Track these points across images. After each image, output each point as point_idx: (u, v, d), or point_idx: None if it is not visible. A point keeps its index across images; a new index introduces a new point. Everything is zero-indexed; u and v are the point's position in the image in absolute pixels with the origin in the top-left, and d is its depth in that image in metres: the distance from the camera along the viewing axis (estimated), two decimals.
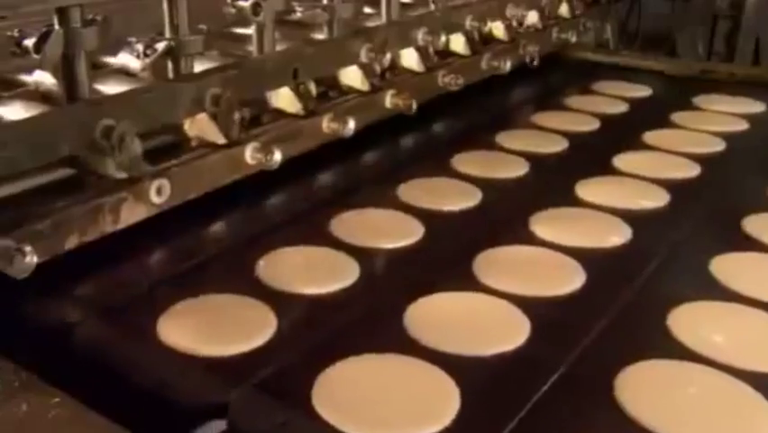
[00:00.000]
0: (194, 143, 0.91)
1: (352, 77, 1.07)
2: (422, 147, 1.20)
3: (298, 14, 1.02)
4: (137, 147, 0.80)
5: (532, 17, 1.39)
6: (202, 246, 0.90)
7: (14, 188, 0.78)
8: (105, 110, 0.79)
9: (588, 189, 1.03)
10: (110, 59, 0.91)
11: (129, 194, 0.80)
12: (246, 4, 0.92)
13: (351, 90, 1.08)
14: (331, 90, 1.08)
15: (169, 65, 0.90)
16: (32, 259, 0.68)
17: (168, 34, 0.89)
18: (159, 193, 0.82)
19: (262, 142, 0.92)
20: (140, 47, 0.87)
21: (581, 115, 1.33)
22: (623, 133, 1.26)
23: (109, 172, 0.79)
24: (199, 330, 0.71)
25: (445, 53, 1.25)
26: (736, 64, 1.99)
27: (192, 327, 0.71)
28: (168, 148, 0.89)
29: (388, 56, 1.08)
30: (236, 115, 0.90)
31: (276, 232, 0.92)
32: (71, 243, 0.75)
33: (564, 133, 1.23)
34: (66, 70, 0.80)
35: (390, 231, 0.91)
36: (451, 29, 1.24)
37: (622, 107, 1.38)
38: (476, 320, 0.75)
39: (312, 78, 1.01)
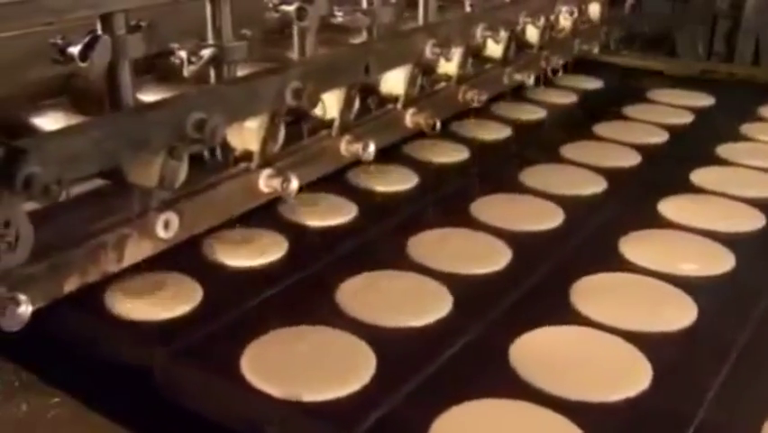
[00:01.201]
0: (236, 153, 0.88)
1: (392, 83, 1.04)
2: None
3: (339, 19, 0.98)
4: (185, 167, 0.77)
5: (568, 21, 1.37)
6: None
7: None
8: (195, 103, 0.77)
9: (529, 176, 1.09)
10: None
11: (133, 230, 0.76)
12: (291, 9, 0.89)
13: (390, 98, 1.06)
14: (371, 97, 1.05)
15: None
16: (26, 309, 0.63)
17: (211, 40, 0.85)
18: (166, 227, 0.78)
19: (277, 168, 0.89)
20: (183, 54, 0.83)
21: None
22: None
23: (149, 185, 0.75)
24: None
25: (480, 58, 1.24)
26: (736, 64, 1.99)
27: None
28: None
29: (454, 50, 1.08)
30: (282, 131, 0.88)
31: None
32: (71, 285, 0.70)
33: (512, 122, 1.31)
34: (110, 78, 0.76)
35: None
36: (508, 25, 1.25)
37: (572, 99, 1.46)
38: (401, 295, 0.81)
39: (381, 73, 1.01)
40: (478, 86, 1.23)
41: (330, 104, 0.96)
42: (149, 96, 0.85)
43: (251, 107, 0.84)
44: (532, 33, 1.33)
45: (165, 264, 0.81)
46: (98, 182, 0.80)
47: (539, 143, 1.26)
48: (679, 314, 0.79)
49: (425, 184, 1.07)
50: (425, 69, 1.12)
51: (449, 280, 0.82)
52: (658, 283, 0.84)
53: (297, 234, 0.91)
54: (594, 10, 1.52)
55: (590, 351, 0.73)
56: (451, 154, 1.16)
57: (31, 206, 0.68)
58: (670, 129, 1.31)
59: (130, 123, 0.73)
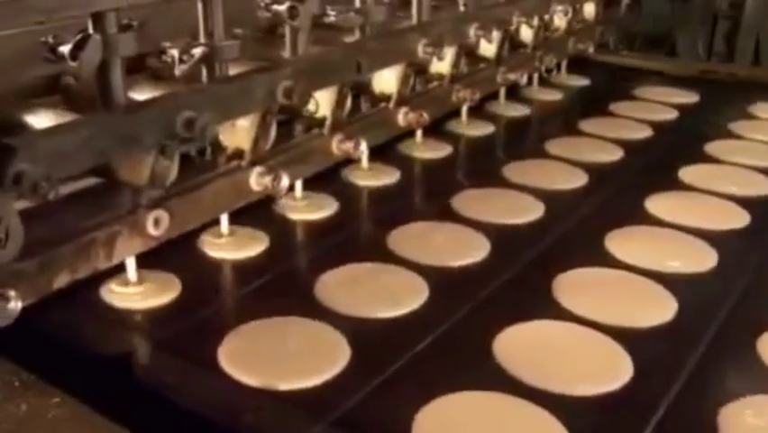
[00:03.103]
0: (228, 152, 0.88)
1: (385, 82, 1.04)
2: None
3: (332, 18, 0.98)
4: (175, 166, 0.77)
5: (562, 21, 1.37)
6: None
7: None
8: (185, 101, 0.77)
9: (512, 171, 1.12)
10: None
11: (123, 227, 0.76)
12: (282, 8, 0.89)
13: (382, 97, 1.06)
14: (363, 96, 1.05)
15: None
16: (16, 305, 0.63)
17: (202, 39, 0.85)
18: (156, 225, 0.78)
19: (268, 165, 0.89)
20: (175, 52, 0.83)
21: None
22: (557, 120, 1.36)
23: (140, 183, 0.76)
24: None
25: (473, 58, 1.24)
26: (736, 64, 1.99)
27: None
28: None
29: (447, 50, 1.09)
30: (273, 129, 0.88)
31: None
32: (61, 281, 0.70)
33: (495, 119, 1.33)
34: (101, 77, 0.77)
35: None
36: (500, 24, 1.25)
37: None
38: (378, 287, 0.82)
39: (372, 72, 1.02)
40: (471, 85, 1.23)
41: (322, 102, 0.96)
42: (140, 95, 0.86)
43: (242, 106, 0.85)
44: (526, 33, 1.33)
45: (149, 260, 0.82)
46: (90, 180, 0.81)
47: (524, 140, 1.28)
48: (659, 310, 0.80)
49: (407, 179, 1.09)
50: (418, 69, 1.13)
51: (427, 271, 0.84)
52: (641, 279, 0.85)
53: (279, 229, 0.93)
54: (589, 10, 1.52)
55: (573, 345, 0.75)
56: (434, 150, 1.18)
57: (22, 203, 0.69)
58: (655, 126, 1.33)
59: (120, 121, 0.73)
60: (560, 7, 1.38)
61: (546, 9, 1.37)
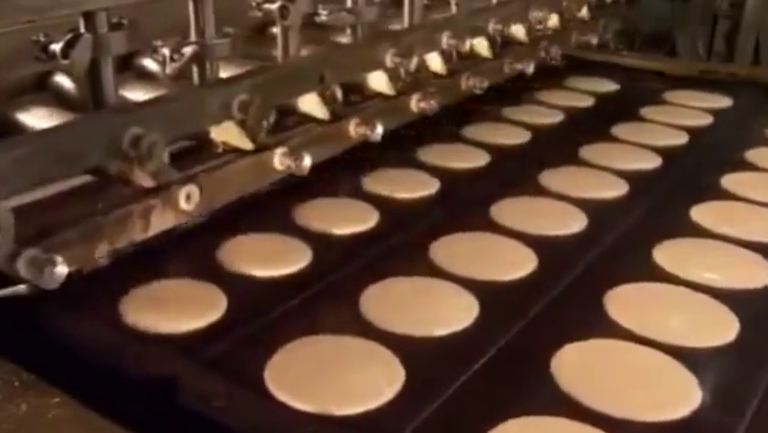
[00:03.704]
0: (220, 149, 0.89)
1: (378, 81, 1.05)
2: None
3: (323, 17, 0.99)
4: (164, 155, 0.78)
5: (552, 20, 1.37)
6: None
7: (39, 195, 0.75)
8: (132, 118, 0.76)
9: (550, 179, 1.06)
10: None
11: (158, 201, 0.78)
12: (274, 7, 0.90)
13: (376, 95, 1.06)
14: (354, 95, 1.06)
15: (195, 69, 0.87)
16: (62, 269, 0.66)
17: (193, 38, 0.86)
18: (188, 200, 0.80)
19: (290, 147, 0.90)
20: (166, 51, 0.84)
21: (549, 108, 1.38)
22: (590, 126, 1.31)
23: (137, 180, 0.77)
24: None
25: (468, 56, 1.24)
26: (736, 64, 1.98)
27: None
28: (194, 153, 0.88)
29: (414, 60, 1.06)
30: (263, 121, 0.88)
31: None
32: (101, 251, 0.73)
33: (529, 126, 1.27)
34: (92, 75, 0.78)
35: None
36: (475, 32, 1.24)
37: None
38: (427, 303, 0.78)
39: (337, 83, 1.00)
40: (479, 74, 1.22)
41: (310, 105, 0.96)
42: (131, 94, 0.87)
43: (194, 122, 0.83)
44: (519, 31, 1.33)
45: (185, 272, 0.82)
46: None
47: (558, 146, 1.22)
48: (721, 328, 0.76)
49: (445, 189, 1.04)
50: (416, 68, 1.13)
51: (474, 286, 0.80)
52: (696, 295, 0.81)
53: (321, 242, 0.89)
54: (583, 10, 1.52)
55: (636, 367, 0.70)
56: (469, 160, 1.13)
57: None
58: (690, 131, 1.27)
59: (62, 138, 0.72)
60: (538, 14, 1.36)
61: (525, 16, 1.36)
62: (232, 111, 0.85)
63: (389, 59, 1.04)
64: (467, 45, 1.18)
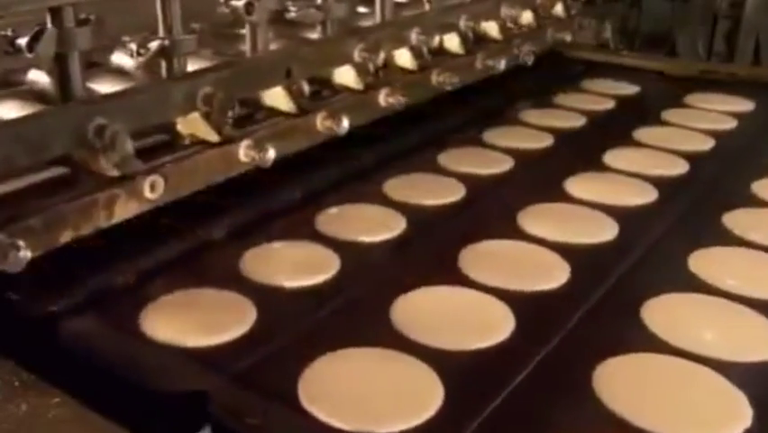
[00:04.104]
0: (186, 141, 0.91)
1: (345, 76, 1.07)
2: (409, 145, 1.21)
3: (292, 14, 1.02)
4: (129, 145, 0.80)
5: (526, 17, 1.39)
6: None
7: (8, 187, 0.79)
8: (97, 109, 0.79)
9: (576, 185, 1.05)
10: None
11: (122, 190, 0.80)
12: (239, 4, 0.92)
13: (344, 89, 1.08)
14: (324, 89, 1.07)
15: (163, 64, 0.91)
16: (26, 253, 0.69)
17: (161, 33, 0.89)
18: (152, 189, 0.83)
19: (256, 139, 0.92)
20: (133, 46, 0.88)
21: (570, 112, 1.37)
22: (612, 129, 1.29)
23: (102, 170, 0.80)
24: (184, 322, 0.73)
25: (441, 53, 1.25)
26: (736, 64, 1.98)
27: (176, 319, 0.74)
28: (161, 145, 0.90)
29: (382, 55, 1.08)
30: (228, 113, 0.90)
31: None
32: (65, 237, 0.76)
33: (551, 130, 1.26)
34: (59, 70, 0.81)
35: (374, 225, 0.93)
36: (445, 29, 1.25)
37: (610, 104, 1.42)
38: (461, 314, 0.76)
39: (305, 78, 1.02)
40: (449, 70, 1.22)
41: (276, 99, 0.99)
42: (101, 88, 0.91)
43: (158, 113, 0.85)
44: (492, 29, 1.34)
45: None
46: None
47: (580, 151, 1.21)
48: (765, 341, 0.74)
49: (471, 196, 1.03)
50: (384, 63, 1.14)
51: (508, 296, 0.78)
52: (736, 306, 0.78)
53: (348, 251, 0.88)
54: (558, 9, 1.52)
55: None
56: (493, 165, 1.12)
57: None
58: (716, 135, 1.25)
59: (27, 128, 0.74)
60: (510, 12, 1.36)
61: (497, 13, 1.36)
62: (196, 103, 0.88)
63: (357, 55, 1.06)
64: (436, 41, 1.19)
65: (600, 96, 1.45)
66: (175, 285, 0.80)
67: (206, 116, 0.89)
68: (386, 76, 1.12)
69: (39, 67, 0.86)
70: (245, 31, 0.98)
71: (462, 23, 1.27)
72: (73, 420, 0.58)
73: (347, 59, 1.06)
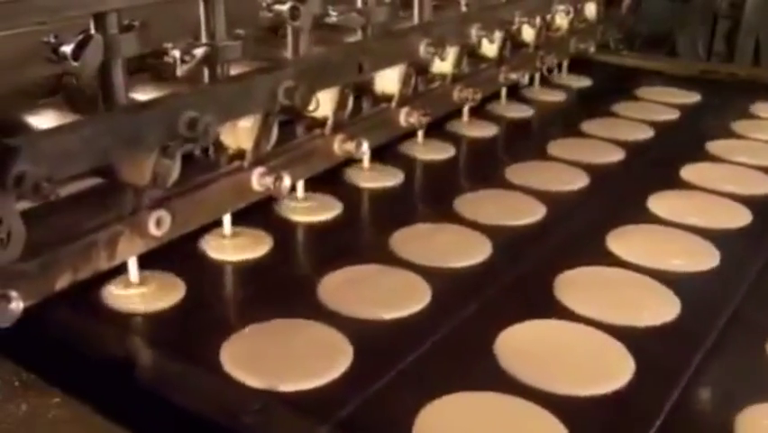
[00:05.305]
0: (230, 152, 0.88)
1: (387, 82, 1.05)
2: None
3: (333, 18, 0.98)
4: (177, 166, 0.77)
5: (562, 19, 1.37)
6: None
7: None
8: (188, 102, 0.77)
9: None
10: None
11: (125, 227, 0.76)
12: (284, 8, 0.89)
13: (384, 97, 1.06)
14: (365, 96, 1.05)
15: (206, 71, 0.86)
16: (17, 306, 0.63)
17: (204, 40, 0.85)
18: (158, 225, 0.78)
19: (270, 166, 0.89)
20: (177, 53, 0.83)
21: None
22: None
23: (141, 183, 0.76)
24: None
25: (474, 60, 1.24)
26: (736, 64, 1.99)
27: None
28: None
29: (449, 50, 1.08)
30: (275, 129, 0.88)
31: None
32: (63, 282, 0.70)
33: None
34: (102, 77, 0.77)
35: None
36: (502, 25, 1.25)
37: None
38: (380, 287, 0.81)
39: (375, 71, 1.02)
40: (473, 85, 1.23)
41: (324, 102, 0.95)
42: (143, 96, 0.86)
43: (244, 106, 0.84)
44: (528, 33, 1.33)
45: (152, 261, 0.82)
46: (92, 181, 0.80)
47: (526, 141, 1.28)
48: (662, 309, 0.79)
49: (410, 181, 1.08)
50: (420, 69, 1.12)
51: (429, 273, 0.83)
52: (643, 278, 0.84)
53: (282, 231, 0.93)
54: (590, 9, 1.52)
55: (575, 345, 0.74)
56: (437, 152, 1.18)
57: (23, 204, 0.69)
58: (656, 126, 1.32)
59: (122, 121, 0.73)
60: (561, 7, 1.37)
61: (548, 8, 1.37)
62: (278, 97, 0.86)
63: (423, 49, 1.05)
64: (497, 36, 1.20)
65: (554, 88, 1.50)
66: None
67: (289, 110, 0.87)
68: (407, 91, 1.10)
69: (80, 75, 0.81)
70: (288, 35, 0.94)
71: (517, 19, 1.26)
72: (73, 420, 0.58)
73: (414, 55, 1.05)
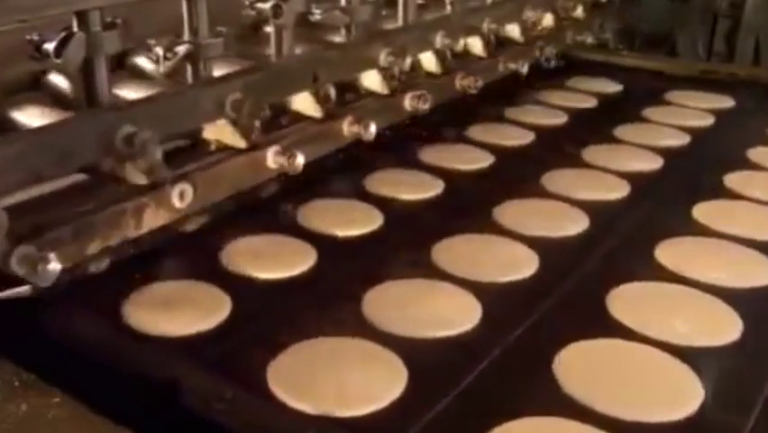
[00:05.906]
0: (213, 147, 0.89)
1: (371, 80, 1.06)
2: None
3: (317, 16, 1.00)
4: (158, 152, 0.78)
5: (547, 19, 1.37)
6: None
7: (33, 193, 0.76)
8: (126, 116, 0.77)
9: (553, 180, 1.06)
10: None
11: (151, 199, 0.78)
12: (267, 6, 0.90)
13: (370, 94, 1.07)
14: (348, 93, 1.06)
15: (189, 68, 0.88)
16: (55, 266, 0.67)
17: (187, 37, 0.87)
18: (181, 198, 0.81)
19: (284, 145, 0.91)
20: (159, 50, 0.85)
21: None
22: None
23: (130, 178, 0.77)
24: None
25: (462, 55, 1.24)
26: (736, 64, 1.98)
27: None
28: (188, 152, 0.88)
29: (408, 60, 1.07)
30: (256, 120, 0.88)
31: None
32: (94, 248, 0.74)
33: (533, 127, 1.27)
34: (85, 74, 0.78)
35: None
36: (468, 32, 1.24)
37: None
38: (429, 304, 0.78)
39: (331, 83, 1.00)
40: (473, 73, 1.22)
41: (303, 103, 0.97)
42: (126, 93, 0.88)
43: (188, 120, 0.84)
44: (514, 31, 1.33)
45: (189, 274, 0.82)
46: None
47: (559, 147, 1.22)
48: (725, 328, 0.75)
49: (449, 191, 1.03)
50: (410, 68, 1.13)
51: (475, 287, 0.79)
52: (699, 294, 0.80)
53: (325, 244, 0.88)
54: (578, 9, 1.52)
55: (638, 366, 0.70)
56: (472, 161, 1.13)
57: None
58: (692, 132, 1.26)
59: (56, 136, 0.72)
60: (531, 14, 1.36)
61: (519, 16, 1.35)
62: (225, 109, 0.85)
63: (383, 59, 1.04)
64: (461, 44, 1.17)
65: (583, 93, 1.45)
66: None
67: (234, 123, 0.86)
68: (410, 79, 1.11)
69: (62, 71, 0.83)
70: (271, 33, 0.95)
71: (485, 26, 1.25)
72: (73, 420, 0.58)
73: (373, 64, 1.05)
